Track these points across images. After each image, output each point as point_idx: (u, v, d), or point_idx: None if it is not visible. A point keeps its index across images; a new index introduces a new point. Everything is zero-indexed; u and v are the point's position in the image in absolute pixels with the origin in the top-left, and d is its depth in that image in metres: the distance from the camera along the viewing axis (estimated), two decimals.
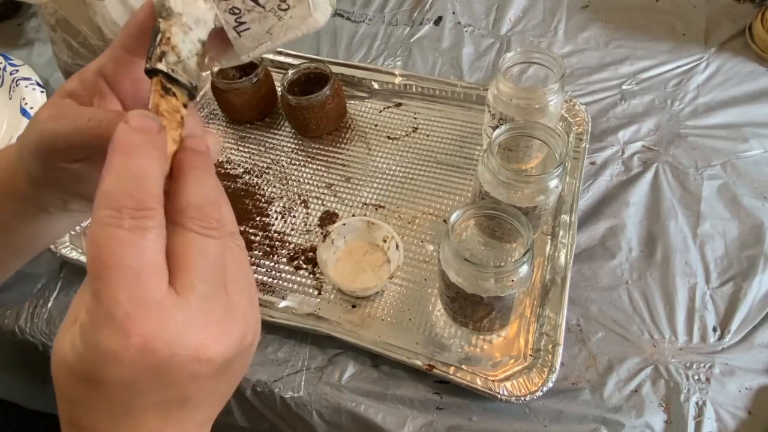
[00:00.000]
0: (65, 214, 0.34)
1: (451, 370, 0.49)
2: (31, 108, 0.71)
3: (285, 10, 0.29)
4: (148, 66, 0.25)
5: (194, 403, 0.24)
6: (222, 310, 0.23)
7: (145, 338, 0.20)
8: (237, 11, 0.28)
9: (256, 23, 0.29)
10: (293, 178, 0.66)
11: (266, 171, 0.67)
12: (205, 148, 0.25)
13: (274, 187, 0.65)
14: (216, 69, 0.67)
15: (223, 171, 0.67)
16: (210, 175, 0.24)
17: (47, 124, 0.28)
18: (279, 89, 0.67)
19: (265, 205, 0.64)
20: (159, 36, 0.25)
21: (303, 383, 0.51)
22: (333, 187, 0.65)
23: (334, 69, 0.68)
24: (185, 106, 0.25)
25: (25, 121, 0.70)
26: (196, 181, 0.23)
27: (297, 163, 0.67)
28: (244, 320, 0.24)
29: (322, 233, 0.58)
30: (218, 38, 0.29)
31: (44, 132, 0.28)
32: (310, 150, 0.68)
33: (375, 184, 0.64)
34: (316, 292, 0.56)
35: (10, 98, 0.74)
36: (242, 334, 0.24)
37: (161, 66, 0.25)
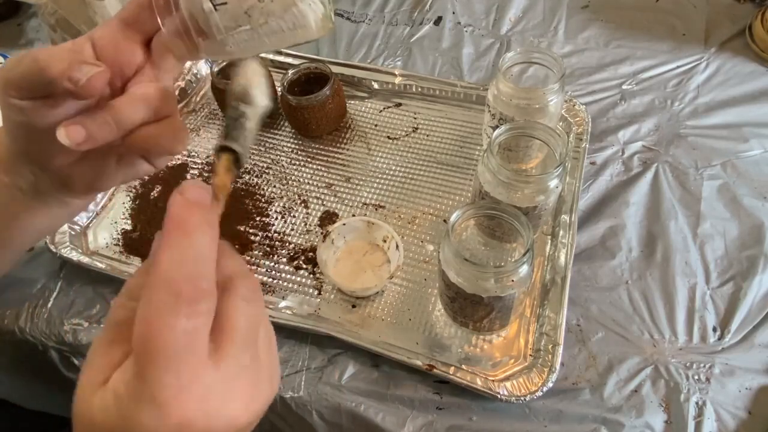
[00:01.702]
0: (37, 198, 0.35)
1: (451, 370, 0.49)
2: None
3: None
4: (225, 143, 0.27)
5: None
6: (253, 374, 0.25)
7: (184, 418, 0.21)
8: None
9: None
10: (293, 178, 0.66)
11: (266, 171, 0.67)
12: None
13: (274, 187, 0.65)
14: (216, 69, 0.67)
15: None
16: None
17: (9, 62, 0.30)
18: (279, 89, 0.67)
19: (265, 205, 0.64)
20: (242, 120, 0.28)
21: (303, 383, 0.51)
22: (333, 187, 0.65)
23: (334, 69, 0.68)
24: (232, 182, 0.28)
25: None
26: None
27: (297, 163, 0.67)
28: (269, 380, 0.26)
29: (322, 233, 0.58)
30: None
31: (3, 68, 0.30)
32: (310, 150, 0.68)
33: (375, 184, 0.64)
34: (316, 292, 0.56)
35: None
36: (268, 395, 0.26)
37: (236, 147, 0.27)
